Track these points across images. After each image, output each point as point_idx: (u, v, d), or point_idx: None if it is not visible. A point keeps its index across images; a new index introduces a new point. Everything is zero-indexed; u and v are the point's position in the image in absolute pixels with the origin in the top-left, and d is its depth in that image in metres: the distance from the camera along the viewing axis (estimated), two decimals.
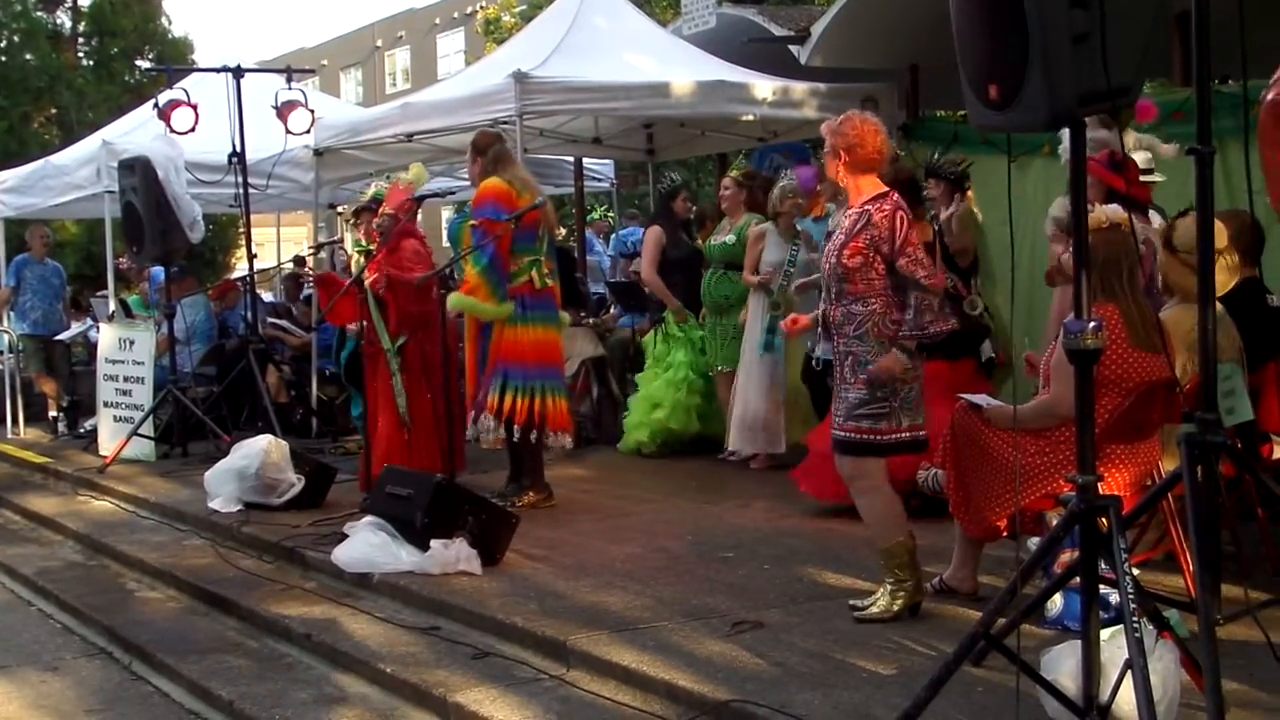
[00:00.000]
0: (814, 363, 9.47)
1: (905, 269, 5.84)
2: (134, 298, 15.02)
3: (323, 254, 15.10)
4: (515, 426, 8.57)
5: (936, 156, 9.29)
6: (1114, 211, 5.79)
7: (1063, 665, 4.48)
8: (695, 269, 10.89)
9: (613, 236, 17.48)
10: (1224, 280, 6.51)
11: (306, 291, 15.46)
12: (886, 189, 5.98)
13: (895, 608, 5.97)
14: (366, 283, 9.11)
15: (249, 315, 13.02)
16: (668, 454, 10.82)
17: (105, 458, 11.76)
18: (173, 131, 12.18)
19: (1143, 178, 7.26)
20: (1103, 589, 4.57)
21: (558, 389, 8.84)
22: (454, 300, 8.49)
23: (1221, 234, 6.46)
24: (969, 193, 8.49)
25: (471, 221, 8.54)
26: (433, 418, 9.14)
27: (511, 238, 8.44)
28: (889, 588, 6.01)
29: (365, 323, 9.39)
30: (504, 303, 8.51)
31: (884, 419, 5.91)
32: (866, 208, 5.92)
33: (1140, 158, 7.28)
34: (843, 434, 6.02)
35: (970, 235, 8.68)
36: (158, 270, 13.15)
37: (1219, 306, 5.93)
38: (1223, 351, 5.90)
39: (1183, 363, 5.96)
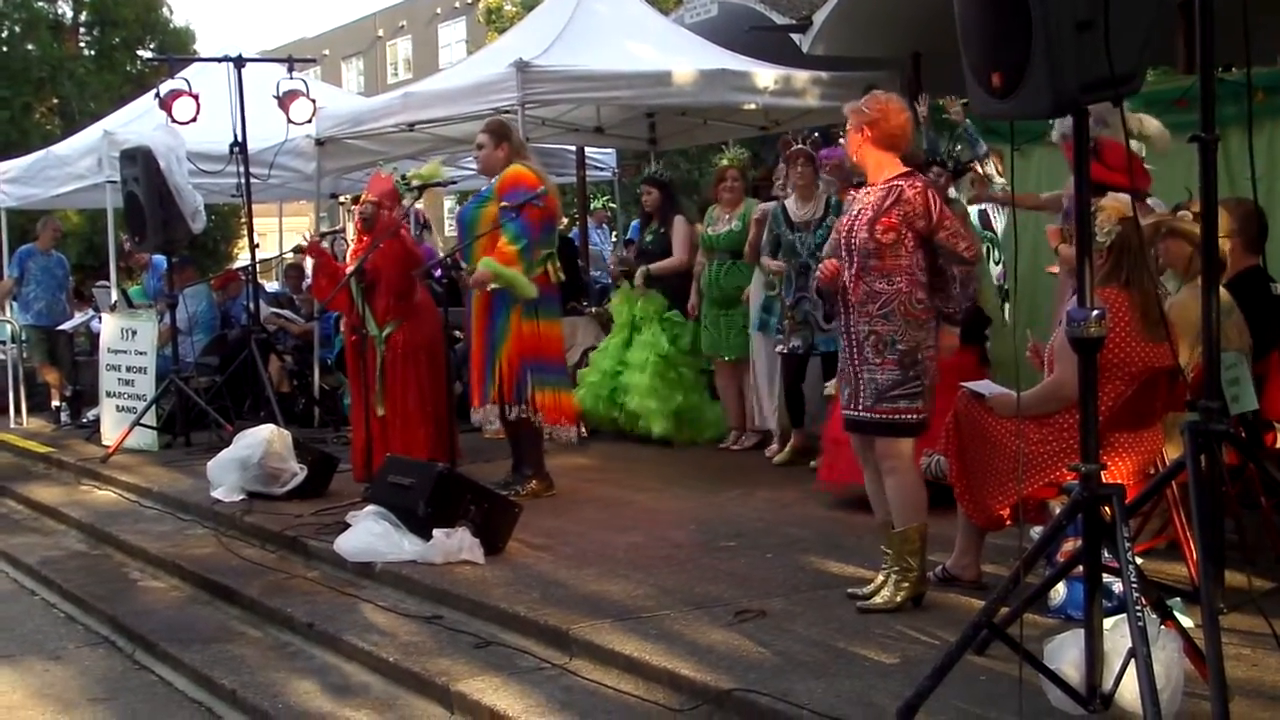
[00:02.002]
0: (780, 349, 9.54)
1: (947, 241, 5.80)
2: (135, 288, 15.02)
3: (324, 244, 15.09)
4: (538, 417, 8.67)
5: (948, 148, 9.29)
6: (1125, 201, 5.79)
7: (1066, 654, 4.48)
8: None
9: (632, 225, 17.50)
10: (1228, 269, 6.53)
11: (309, 281, 15.47)
12: (911, 169, 5.96)
13: (899, 598, 5.95)
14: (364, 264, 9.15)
15: (251, 305, 13.01)
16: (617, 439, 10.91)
17: (108, 447, 11.77)
18: (174, 121, 12.18)
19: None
20: (1106, 578, 4.57)
21: (565, 383, 8.97)
22: (489, 263, 8.36)
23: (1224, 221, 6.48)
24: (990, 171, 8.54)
25: (503, 203, 8.48)
26: (419, 408, 9.15)
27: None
28: (894, 577, 5.98)
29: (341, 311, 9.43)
30: (531, 284, 8.54)
31: (919, 398, 5.89)
32: (896, 183, 5.86)
33: (1132, 145, 7.27)
34: (877, 417, 5.93)
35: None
36: (159, 258, 13.13)
37: (1226, 295, 5.96)
38: (1230, 341, 5.91)
39: (1189, 350, 5.95)
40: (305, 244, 9.83)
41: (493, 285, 8.43)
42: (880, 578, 6.08)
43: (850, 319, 5.97)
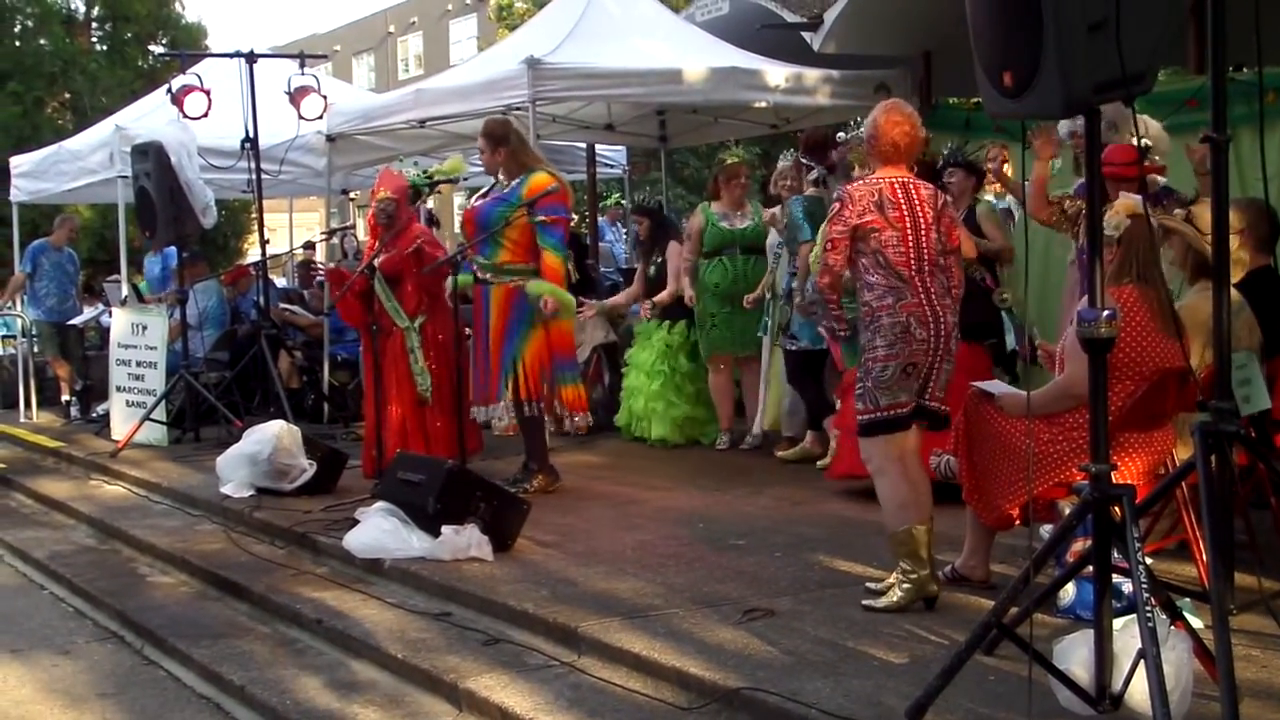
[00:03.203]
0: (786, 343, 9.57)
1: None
2: (144, 283, 15.05)
3: (334, 239, 15.12)
4: (571, 413, 8.87)
5: (954, 146, 9.27)
6: (1137, 200, 5.77)
7: (1075, 654, 4.47)
8: None
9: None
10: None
11: (319, 279, 15.49)
12: (874, 178, 6.00)
13: (895, 598, 5.94)
14: (376, 263, 9.14)
15: (261, 300, 13.03)
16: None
17: (118, 442, 11.78)
18: (186, 116, 12.22)
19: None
20: (1115, 578, 4.56)
21: (578, 376, 9.11)
22: (542, 287, 8.57)
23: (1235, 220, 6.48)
24: (1003, 179, 8.52)
25: (540, 218, 8.59)
26: (445, 401, 9.17)
27: None
28: (896, 578, 6.00)
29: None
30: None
31: (861, 399, 5.99)
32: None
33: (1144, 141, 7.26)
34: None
35: (998, 231, 8.69)
36: (169, 251, 13.14)
37: (1236, 294, 5.94)
38: (1240, 341, 5.90)
39: (1200, 349, 5.94)
40: (315, 244, 9.88)
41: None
42: (891, 578, 6.08)
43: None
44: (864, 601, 6.03)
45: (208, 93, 12.22)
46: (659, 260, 11.06)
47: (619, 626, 5.92)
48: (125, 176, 12.57)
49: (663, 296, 10.87)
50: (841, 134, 8.27)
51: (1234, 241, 6.39)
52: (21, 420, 14.49)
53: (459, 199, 34.57)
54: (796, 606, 6.10)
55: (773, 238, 9.99)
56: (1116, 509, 4.40)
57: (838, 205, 5.97)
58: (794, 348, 9.53)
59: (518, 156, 8.75)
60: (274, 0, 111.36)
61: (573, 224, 10.02)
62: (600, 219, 16.68)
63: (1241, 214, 6.59)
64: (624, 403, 11.08)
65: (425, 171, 9.45)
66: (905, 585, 5.95)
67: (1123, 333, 5.12)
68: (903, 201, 5.94)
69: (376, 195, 9.38)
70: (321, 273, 14.84)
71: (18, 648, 7.18)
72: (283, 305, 14.46)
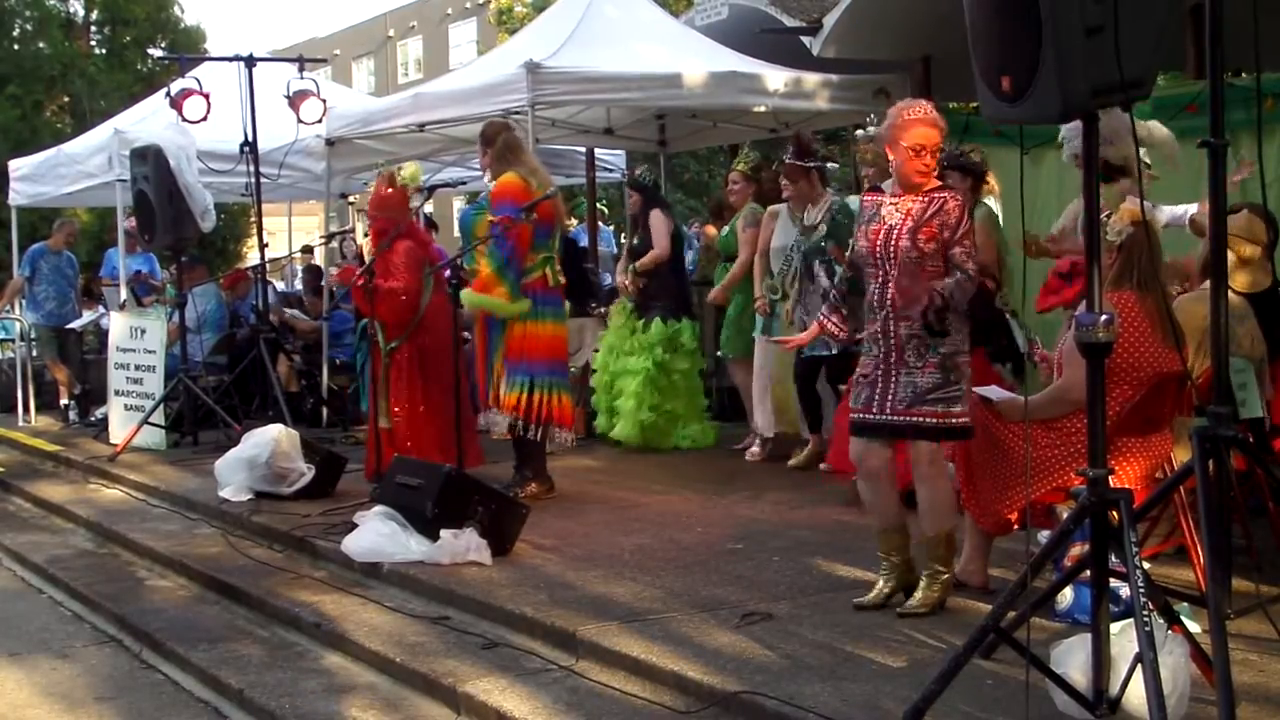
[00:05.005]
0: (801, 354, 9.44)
1: (958, 256, 5.79)
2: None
3: (333, 243, 15.14)
4: (523, 421, 8.60)
5: (954, 148, 9.24)
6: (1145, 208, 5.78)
7: (1073, 658, 4.47)
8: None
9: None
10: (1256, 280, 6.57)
11: (321, 283, 15.49)
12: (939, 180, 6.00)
13: (935, 597, 5.93)
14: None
15: (259, 304, 13.03)
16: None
17: (116, 446, 11.77)
18: (185, 120, 12.23)
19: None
20: (1113, 582, 4.57)
21: (563, 385, 8.85)
22: (467, 297, 8.43)
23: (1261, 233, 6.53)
24: (989, 186, 8.47)
25: (490, 217, 8.52)
26: (429, 411, 9.11)
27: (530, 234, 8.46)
28: (925, 580, 5.96)
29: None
30: (519, 299, 8.50)
31: (957, 402, 5.82)
32: (940, 195, 5.87)
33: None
34: (916, 419, 5.85)
35: (992, 237, 8.63)
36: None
37: (1242, 302, 5.96)
38: (1239, 348, 5.91)
39: (1193, 352, 5.94)
40: (314, 248, 9.89)
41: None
42: (881, 582, 6.06)
43: (890, 324, 5.88)
44: (898, 609, 5.94)
45: (207, 96, 12.24)
46: (646, 230, 10.98)
47: (617, 630, 5.92)
48: (124, 180, 12.59)
49: (644, 261, 10.69)
50: (862, 131, 8.20)
51: (1258, 252, 6.45)
52: (20, 424, 14.47)
53: (458, 202, 34.62)
54: (794, 610, 6.10)
55: (779, 239, 9.78)
56: (1114, 513, 4.40)
57: (967, 211, 5.91)
58: (807, 354, 9.39)
59: (503, 158, 8.69)
60: (273, 4, 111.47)
61: (570, 227, 9.94)
62: (583, 224, 16.63)
63: (1266, 227, 6.64)
64: (601, 405, 10.96)
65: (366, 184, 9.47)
66: (937, 586, 5.93)
67: (1121, 337, 5.13)
68: None
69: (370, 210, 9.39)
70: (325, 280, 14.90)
71: (16, 651, 7.18)
72: (283, 308, 14.47)
